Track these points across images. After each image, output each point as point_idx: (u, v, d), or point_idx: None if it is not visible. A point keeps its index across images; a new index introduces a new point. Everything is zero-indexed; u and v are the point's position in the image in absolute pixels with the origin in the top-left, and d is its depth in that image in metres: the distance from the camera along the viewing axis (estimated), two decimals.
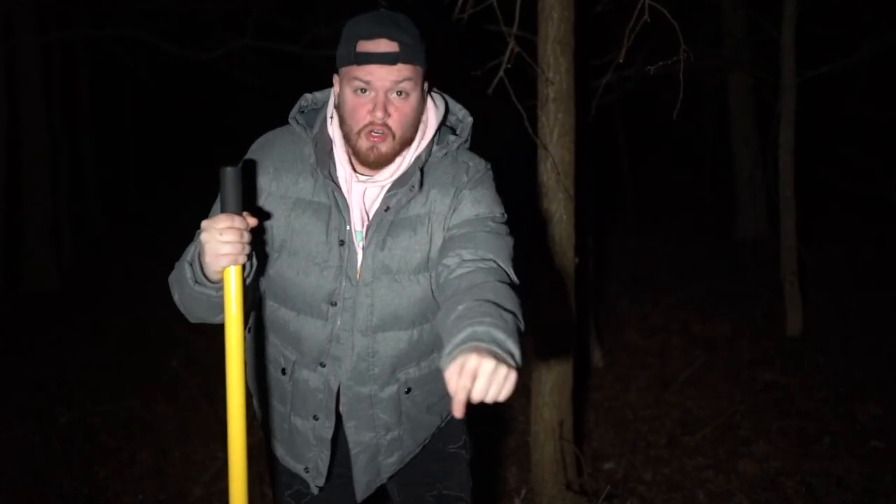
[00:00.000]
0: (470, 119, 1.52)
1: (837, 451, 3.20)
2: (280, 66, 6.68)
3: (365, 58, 1.35)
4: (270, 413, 1.60)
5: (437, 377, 1.55)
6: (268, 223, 1.45)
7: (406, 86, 1.37)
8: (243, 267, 1.30)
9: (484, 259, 1.36)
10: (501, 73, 2.56)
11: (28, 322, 5.44)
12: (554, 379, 2.69)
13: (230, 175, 1.26)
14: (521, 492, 2.80)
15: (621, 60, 2.44)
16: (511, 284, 1.33)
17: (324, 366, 1.49)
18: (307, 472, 1.57)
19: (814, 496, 2.89)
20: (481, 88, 2.61)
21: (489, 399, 1.09)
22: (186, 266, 1.32)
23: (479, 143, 1.58)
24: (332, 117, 1.46)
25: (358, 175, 1.44)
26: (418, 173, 1.44)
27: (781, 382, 3.93)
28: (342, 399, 1.52)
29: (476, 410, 1.69)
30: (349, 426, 1.54)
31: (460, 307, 1.22)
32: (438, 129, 1.48)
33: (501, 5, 2.52)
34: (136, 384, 4.10)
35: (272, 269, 1.47)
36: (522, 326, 1.24)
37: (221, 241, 1.24)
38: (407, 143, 1.42)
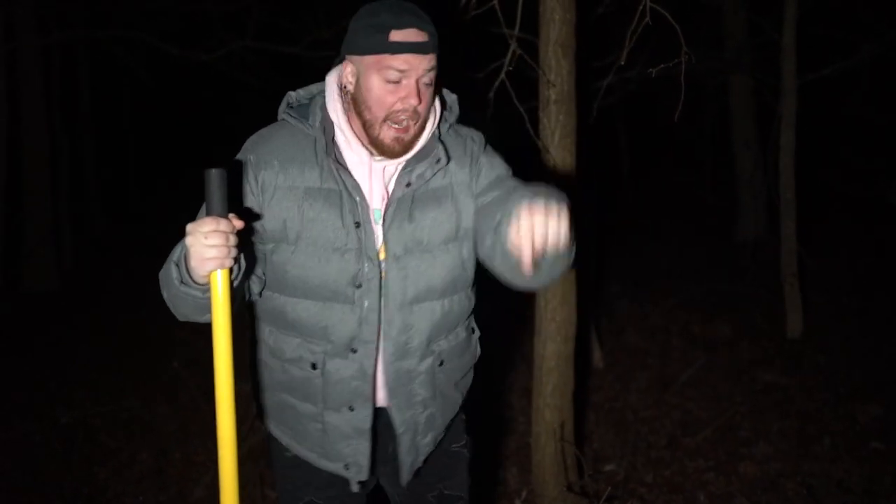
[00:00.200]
0: (454, 95, 1.58)
1: (838, 453, 3.20)
2: (280, 67, 6.68)
3: (400, 47, 1.38)
4: (296, 416, 1.55)
5: (463, 350, 1.62)
6: (281, 217, 1.44)
7: (432, 74, 1.43)
8: (231, 270, 1.28)
9: None
10: (503, 75, 2.57)
11: (28, 322, 5.44)
12: (555, 381, 2.69)
13: (215, 177, 1.24)
14: (521, 493, 2.80)
15: (623, 62, 2.45)
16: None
17: (355, 351, 1.48)
18: (347, 469, 1.54)
19: (814, 498, 2.89)
20: (483, 90, 2.62)
21: (552, 236, 1.22)
22: (173, 266, 1.31)
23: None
24: (342, 102, 1.47)
25: (374, 157, 1.47)
26: (439, 146, 1.49)
27: (781, 383, 3.93)
28: (384, 378, 1.53)
29: (476, 411, 1.70)
30: (393, 404, 1.55)
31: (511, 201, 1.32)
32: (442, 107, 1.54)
33: (503, 7, 2.52)
34: (137, 384, 4.10)
35: (291, 264, 1.45)
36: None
37: (207, 245, 1.22)
38: (424, 125, 1.48)
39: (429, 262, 1.49)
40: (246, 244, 1.39)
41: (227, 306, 1.27)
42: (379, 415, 1.56)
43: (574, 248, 1.37)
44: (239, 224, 1.27)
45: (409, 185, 1.47)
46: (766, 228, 6.88)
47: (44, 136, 6.49)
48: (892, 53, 5.31)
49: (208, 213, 1.25)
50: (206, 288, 1.29)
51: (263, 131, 1.52)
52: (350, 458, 1.53)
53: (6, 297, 5.98)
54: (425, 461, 1.65)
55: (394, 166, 1.48)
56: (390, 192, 1.48)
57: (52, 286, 6.36)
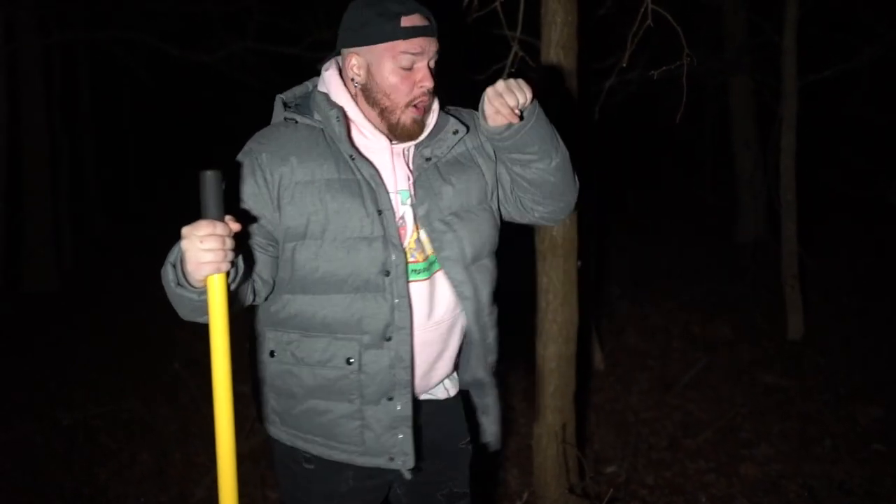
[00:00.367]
0: None
1: (839, 454, 3.20)
2: (280, 67, 6.68)
3: (412, 31, 1.44)
4: (331, 420, 1.52)
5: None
6: (305, 213, 1.43)
7: (437, 55, 1.50)
8: (227, 274, 1.26)
9: None
10: (504, 77, 2.57)
11: (28, 322, 5.44)
12: (556, 382, 2.70)
13: (210, 179, 1.21)
14: (523, 495, 2.80)
15: (624, 65, 2.45)
16: None
17: (390, 339, 1.48)
18: (392, 460, 1.52)
19: (815, 499, 2.89)
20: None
21: (520, 97, 1.45)
22: (169, 268, 1.29)
23: None
24: (353, 94, 1.50)
25: (393, 142, 1.51)
26: (452, 119, 1.56)
27: (782, 385, 3.93)
28: (474, 336, 1.60)
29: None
30: (474, 364, 1.64)
31: None
32: None
33: (505, 9, 2.52)
34: (137, 385, 4.10)
35: (320, 259, 1.44)
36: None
37: (202, 249, 1.20)
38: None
39: (475, 223, 1.56)
40: (244, 247, 1.37)
41: (224, 310, 1.25)
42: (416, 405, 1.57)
43: (543, 118, 1.52)
44: (236, 227, 1.25)
45: (428, 159, 1.53)
46: (766, 229, 6.88)
47: (44, 136, 6.49)
48: (892, 54, 5.31)
49: (204, 216, 1.22)
50: (202, 290, 1.27)
51: (266, 131, 1.51)
52: (395, 449, 1.52)
53: (6, 298, 5.98)
54: (433, 460, 1.64)
55: (410, 147, 1.53)
56: (413, 171, 1.53)
57: (52, 286, 6.35)
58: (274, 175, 1.44)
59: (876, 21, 5.36)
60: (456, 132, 1.55)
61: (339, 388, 1.50)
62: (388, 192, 1.48)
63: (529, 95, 1.47)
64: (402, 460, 1.53)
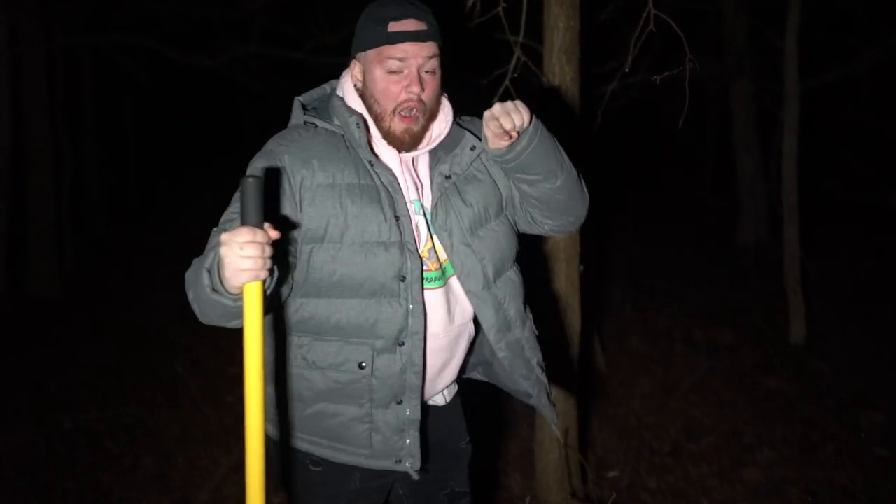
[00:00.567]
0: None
1: (841, 459, 3.20)
2: (282, 71, 6.70)
3: (398, 36, 1.44)
4: (341, 423, 1.52)
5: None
6: (325, 216, 1.43)
7: (434, 62, 1.47)
8: (264, 281, 1.25)
9: None
10: (507, 81, 2.58)
11: (31, 326, 5.44)
12: (559, 387, 2.70)
13: (251, 185, 1.19)
14: (525, 499, 2.80)
15: (627, 70, 2.46)
16: None
17: (403, 344, 1.49)
18: (399, 462, 1.53)
19: None
20: (487, 96, 2.62)
21: (516, 119, 1.44)
22: (204, 273, 1.27)
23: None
24: (360, 97, 1.51)
25: (400, 151, 1.51)
26: (468, 135, 1.55)
27: (784, 390, 3.93)
28: (501, 354, 1.59)
29: (480, 417, 1.71)
30: (516, 375, 1.62)
31: None
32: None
33: (507, 14, 2.53)
34: (139, 389, 4.10)
35: (337, 262, 1.44)
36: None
37: (242, 256, 1.19)
38: (433, 116, 1.53)
39: (494, 238, 1.56)
40: (281, 254, 1.37)
41: (259, 317, 1.24)
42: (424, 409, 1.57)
43: (538, 128, 1.49)
44: (275, 234, 1.24)
45: (448, 177, 1.53)
46: (767, 232, 6.88)
47: (47, 139, 6.51)
48: (893, 58, 5.32)
49: (243, 223, 1.20)
50: (237, 297, 1.26)
51: (286, 133, 1.51)
52: (402, 451, 1.53)
53: (9, 300, 5.99)
54: (435, 460, 1.65)
55: (420, 157, 1.53)
56: (426, 184, 1.53)
57: (54, 291, 6.36)
58: (296, 177, 1.44)
59: (877, 24, 5.36)
60: (473, 148, 1.54)
61: (350, 391, 1.50)
62: (405, 199, 1.49)
63: (527, 117, 1.46)
64: (410, 462, 1.53)
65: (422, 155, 1.54)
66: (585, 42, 2.61)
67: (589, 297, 3.93)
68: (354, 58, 1.51)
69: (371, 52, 1.46)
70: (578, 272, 2.69)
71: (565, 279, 2.65)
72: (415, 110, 1.46)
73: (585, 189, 1.65)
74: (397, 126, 1.47)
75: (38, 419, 3.75)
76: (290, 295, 1.49)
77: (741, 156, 6.99)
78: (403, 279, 1.47)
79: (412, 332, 1.49)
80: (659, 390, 4.01)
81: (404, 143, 1.49)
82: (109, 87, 9.44)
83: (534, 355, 1.66)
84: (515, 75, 2.56)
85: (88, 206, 8.77)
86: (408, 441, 1.53)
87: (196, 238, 1.37)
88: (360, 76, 1.50)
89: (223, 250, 1.21)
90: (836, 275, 5.73)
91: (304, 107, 1.54)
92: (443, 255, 1.54)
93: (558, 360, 2.69)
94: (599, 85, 3.65)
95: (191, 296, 1.36)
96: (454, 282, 1.56)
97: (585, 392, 3.68)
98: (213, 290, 1.27)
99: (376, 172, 1.47)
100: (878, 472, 3.09)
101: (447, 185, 1.52)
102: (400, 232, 1.47)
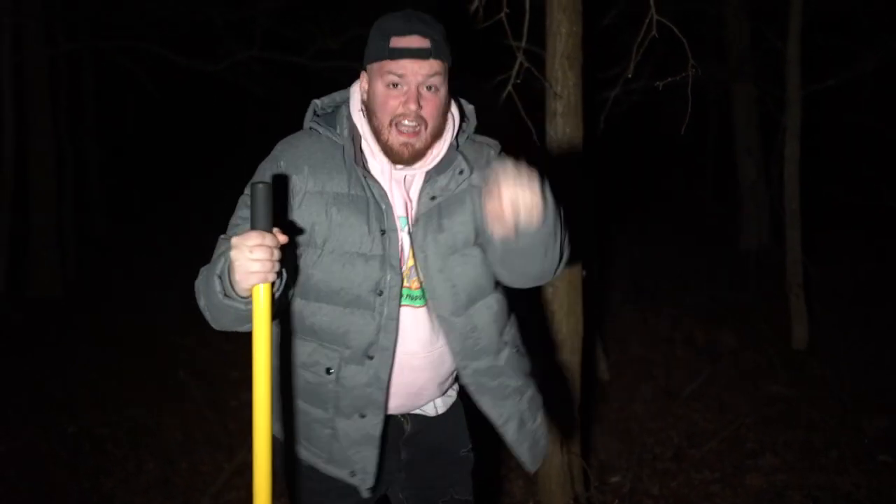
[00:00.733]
0: (472, 106, 1.61)
1: (844, 465, 3.19)
2: (285, 76, 6.72)
3: (398, 53, 1.43)
4: (307, 421, 1.56)
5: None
6: (309, 222, 1.46)
7: (436, 80, 1.45)
8: (272, 283, 1.30)
9: None
10: (510, 87, 2.58)
11: (33, 330, 5.44)
12: (562, 391, 2.69)
13: (261, 191, 1.25)
14: None
15: (630, 75, 2.46)
16: None
17: (371, 358, 1.50)
18: (353, 475, 1.54)
19: None
20: (491, 102, 2.63)
21: (523, 198, 1.29)
22: (215, 279, 1.32)
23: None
24: (362, 111, 1.52)
25: (395, 165, 1.50)
26: (459, 158, 1.52)
27: (787, 395, 3.92)
28: (466, 380, 1.57)
29: (482, 422, 1.71)
30: (484, 402, 1.59)
31: None
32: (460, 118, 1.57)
33: (510, 20, 2.54)
34: (142, 393, 4.10)
35: (316, 268, 1.48)
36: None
37: (251, 259, 1.24)
38: (438, 135, 1.50)
39: (470, 264, 1.53)
40: (289, 257, 1.41)
41: (267, 318, 1.29)
42: (389, 422, 1.58)
43: (551, 215, 1.38)
44: (283, 239, 1.29)
45: (433, 198, 1.51)
46: (769, 236, 6.88)
47: (50, 143, 6.53)
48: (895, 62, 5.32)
49: (253, 227, 1.26)
50: (248, 300, 1.31)
51: (291, 138, 1.55)
52: (357, 465, 1.54)
53: (10, 302, 5.99)
54: (433, 467, 1.66)
55: (413, 176, 1.52)
56: (414, 203, 1.51)
57: (55, 292, 6.36)
58: (290, 181, 1.47)
59: (879, 28, 5.36)
60: (461, 172, 1.51)
61: (318, 393, 1.54)
62: (395, 214, 1.49)
63: (538, 209, 1.32)
64: (362, 478, 1.55)
65: (417, 173, 1.52)
66: (588, 47, 2.62)
67: (591, 301, 3.93)
68: (364, 68, 1.53)
69: (374, 65, 1.46)
70: (581, 277, 2.69)
71: (568, 284, 2.64)
72: (414, 126, 1.43)
73: (566, 248, 1.53)
74: (395, 139, 1.45)
75: (41, 423, 3.74)
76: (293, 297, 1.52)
77: (742, 159, 6.99)
78: (381, 293, 1.47)
79: (382, 347, 1.49)
80: (661, 395, 4.01)
81: (403, 158, 1.46)
82: (111, 89, 9.47)
83: (511, 383, 1.61)
84: (518, 81, 2.57)
85: (91, 210, 8.79)
86: (364, 455, 1.54)
87: (197, 239, 1.39)
88: (365, 86, 1.52)
89: (233, 253, 1.26)
90: (838, 279, 5.73)
91: (315, 112, 1.56)
92: (423, 275, 1.53)
93: (561, 365, 2.69)
94: (602, 90, 3.65)
95: (202, 303, 1.40)
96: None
97: (588, 396, 3.68)
98: (226, 295, 1.32)
99: (369, 184, 1.47)
100: (883, 478, 3.08)
101: (431, 206, 1.50)
102: (383, 246, 1.47)
